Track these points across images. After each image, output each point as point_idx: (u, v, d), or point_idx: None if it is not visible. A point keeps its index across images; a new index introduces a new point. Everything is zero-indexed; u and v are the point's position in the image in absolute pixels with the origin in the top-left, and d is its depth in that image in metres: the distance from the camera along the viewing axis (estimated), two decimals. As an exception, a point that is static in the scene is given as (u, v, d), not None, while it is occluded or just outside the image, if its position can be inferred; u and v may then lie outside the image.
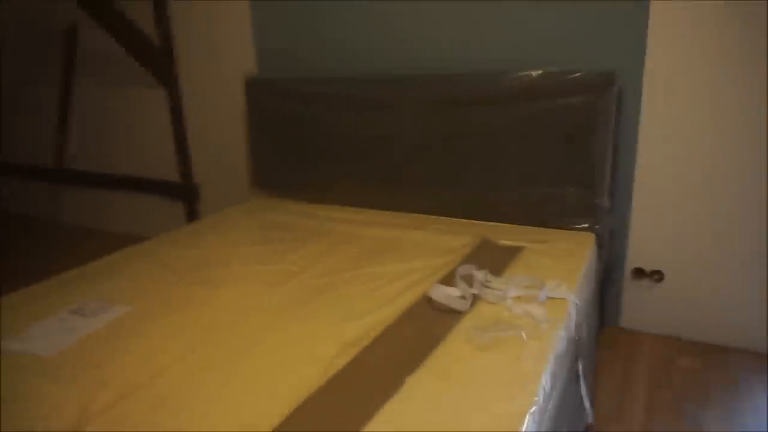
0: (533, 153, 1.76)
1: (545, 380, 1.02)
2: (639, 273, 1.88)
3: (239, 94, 2.28)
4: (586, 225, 1.72)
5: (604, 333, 1.91)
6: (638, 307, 1.92)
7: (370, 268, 1.51)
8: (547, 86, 1.70)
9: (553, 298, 1.29)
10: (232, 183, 2.51)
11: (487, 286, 1.34)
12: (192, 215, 2.67)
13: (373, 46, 2.04)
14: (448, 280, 1.39)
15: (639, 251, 1.88)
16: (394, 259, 1.56)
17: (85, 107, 2.94)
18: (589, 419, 1.46)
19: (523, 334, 1.13)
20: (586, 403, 1.42)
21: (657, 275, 1.86)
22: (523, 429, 0.89)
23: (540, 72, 1.71)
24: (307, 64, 2.17)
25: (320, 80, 2.06)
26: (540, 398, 0.97)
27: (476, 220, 1.82)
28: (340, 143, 2.05)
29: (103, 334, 1.23)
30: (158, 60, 2.49)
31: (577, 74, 1.66)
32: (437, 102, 1.85)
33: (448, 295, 1.29)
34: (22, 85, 3.09)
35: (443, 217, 1.87)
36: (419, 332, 1.18)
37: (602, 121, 1.65)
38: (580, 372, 1.35)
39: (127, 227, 2.92)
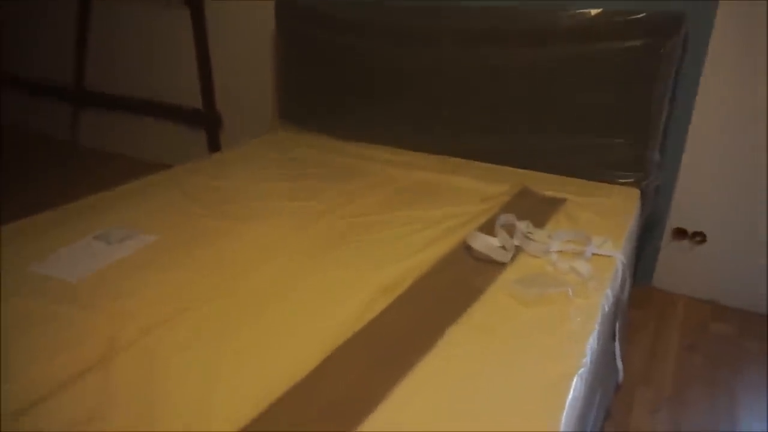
0: (583, 99, 1.64)
1: (593, 341, 0.96)
2: (680, 233, 1.80)
3: (268, 18, 2.14)
4: (633, 180, 1.62)
5: (637, 292, 1.85)
6: (674, 267, 1.85)
7: (405, 211, 1.44)
8: (605, 26, 1.56)
9: (599, 255, 1.23)
10: (256, 113, 2.41)
11: (530, 238, 1.27)
12: (213, 144, 2.60)
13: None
14: (487, 228, 1.32)
15: (682, 211, 1.79)
16: (430, 204, 1.49)
17: (104, 25, 2.81)
18: (620, 379, 1.42)
19: (570, 292, 1.07)
20: (619, 364, 1.38)
21: (699, 237, 1.78)
22: (572, 390, 0.84)
23: (599, 11, 1.57)
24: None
25: (358, 5, 1.91)
26: (588, 359, 0.92)
27: (516, 167, 1.73)
28: (376, 77, 1.93)
29: (129, 262, 1.19)
30: (183, -24, 2.34)
31: (641, 15, 1.52)
32: (483, 36, 1.71)
33: (488, 244, 1.22)
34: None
35: (481, 162, 1.78)
36: (458, 282, 1.12)
37: (664, 68, 1.52)
38: (617, 331, 1.30)
39: (146, 153, 2.86)
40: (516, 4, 1.69)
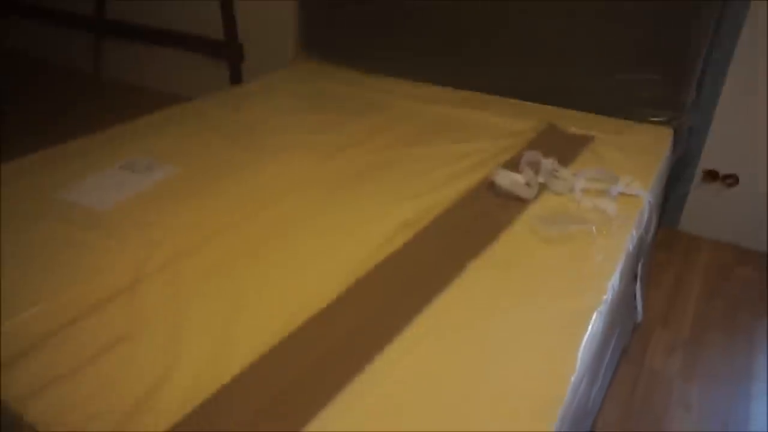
0: (616, 32, 1.56)
1: (614, 279, 0.96)
2: (711, 175, 1.75)
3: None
4: (665, 119, 1.56)
5: (663, 234, 1.82)
6: (703, 210, 1.81)
7: (428, 146, 1.42)
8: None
9: (626, 194, 1.20)
10: (278, 44, 2.36)
11: (555, 176, 1.24)
12: (235, 76, 2.56)
13: None
14: (511, 165, 1.29)
15: (714, 152, 1.73)
16: (454, 139, 1.46)
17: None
18: (638, 319, 1.43)
19: (593, 229, 1.06)
20: (638, 304, 1.38)
21: (731, 179, 1.73)
22: (591, 326, 0.85)
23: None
24: None
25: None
26: (608, 297, 0.92)
27: (543, 103, 1.67)
28: (401, 8, 1.85)
29: (154, 192, 1.20)
30: None
31: (688, -61, 1.41)
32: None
33: (513, 181, 1.20)
34: None
35: (507, 98, 1.72)
36: (480, 218, 1.11)
37: (709, 2, 1.43)
38: (639, 272, 1.30)
39: (167, 85, 2.84)
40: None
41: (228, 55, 2.53)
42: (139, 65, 2.96)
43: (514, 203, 1.16)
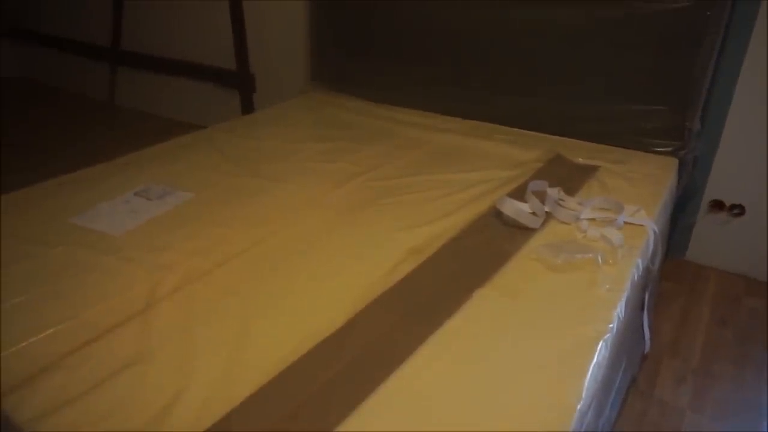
0: (620, 62, 1.59)
1: (620, 308, 0.96)
2: (717, 205, 1.76)
3: (302, -22, 2.13)
4: (670, 149, 1.58)
5: (670, 264, 1.83)
6: (710, 240, 1.81)
7: (435, 175, 1.45)
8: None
9: (631, 223, 1.21)
10: (289, 75, 2.42)
11: (561, 205, 1.26)
12: (247, 106, 2.62)
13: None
14: (518, 194, 1.31)
15: (720, 182, 1.75)
16: (460, 168, 1.48)
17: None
18: (646, 349, 1.42)
19: (599, 258, 1.07)
20: (646, 334, 1.38)
21: (737, 209, 1.74)
22: (597, 355, 0.85)
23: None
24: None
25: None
26: (614, 326, 0.92)
27: (548, 133, 1.70)
28: (407, 39, 1.91)
29: (167, 218, 1.23)
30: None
31: (689, -25, 1.45)
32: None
33: (518, 209, 1.22)
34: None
35: (512, 128, 1.75)
36: (487, 246, 1.13)
37: (711, 31, 1.46)
38: (646, 301, 1.30)
39: (181, 113, 2.90)
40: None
41: (240, 86, 2.60)
42: (153, 94, 3.03)
43: (520, 232, 1.17)
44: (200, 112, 2.77)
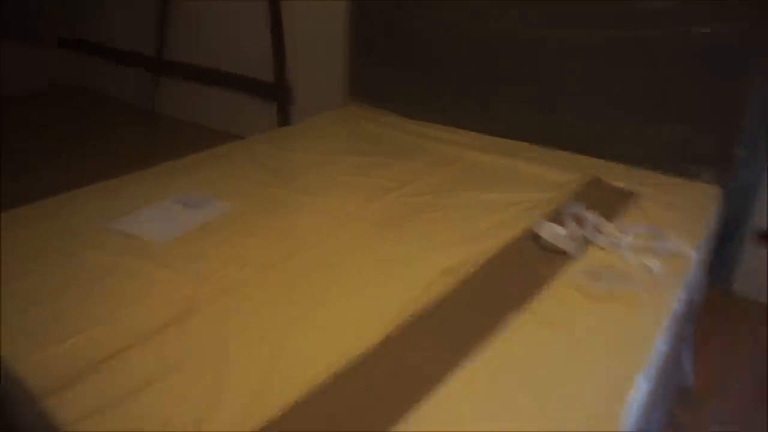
0: (663, 83, 1.55)
1: (660, 342, 0.93)
2: (765, 237, 1.70)
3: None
4: (715, 176, 1.53)
5: (714, 297, 1.76)
6: (755, 273, 1.75)
7: (469, 193, 1.44)
8: (697, 6, 1.47)
9: (673, 253, 1.18)
10: (326, 88, 2.44)
11: (599, 231, 1.23)
12: (284, 118, 2.66)
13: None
14: (554, 217, 1.29)
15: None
16: (494, 187, 1.47)
17: (186, -4, 2.91)
18: (688, 385, 1.38)
19: (640, 289, 1.04)
20: (688, 369, 1.33)
21: (784, 241, 1.67)
22: (636, 389, 0.82)
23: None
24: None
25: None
26: (654, 359, 0.89)
27: (584, 154, 1.67)
28: (444, 55, 1.91)
29: (205, 226, 1.25)
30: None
31: (739, -3, 1.42)
32: (559, 12, 1.65)
33: (556, 233, 1.20)
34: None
35: (547, 148, 1.72)
36: (522, 270, 1.11)
37: (761, 54, 1.42)
38: (688, 335, 1.26)
39: (219, 123, 2.96)
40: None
41: (277, 98, 2.64)
42: (193, 103, 3.10)
43: (557, 257, 1.15)
44: (238, 122, 2.82)
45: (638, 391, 0.83)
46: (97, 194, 1.41)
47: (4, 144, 2.82)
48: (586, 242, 1.20)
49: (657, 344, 0.92)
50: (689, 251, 1.18)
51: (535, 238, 1.21)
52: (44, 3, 3.21)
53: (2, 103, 3.28)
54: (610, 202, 1.39)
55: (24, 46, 3.43)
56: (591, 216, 1.26)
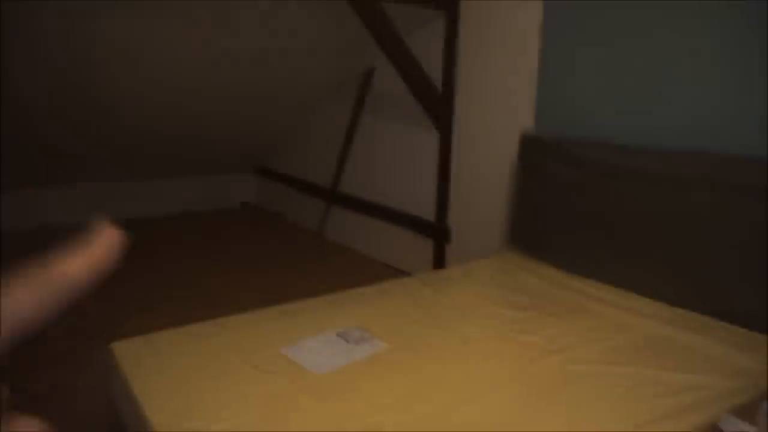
0: None
1: None
2: None
3: (510, 147, 2.27)
4: None
5: None
6: None
7: (638, 368, 1.32)
8: None
9: None
10: (484, 232, 2.51)
11: (804, 439, 1.05)
12: (439, 256, 2.75)
13: (671, 113, 1.83)
14: (743, 411, 1.13)
15: None
16: (669, 366, 1.34)
17: (365, 137, 3.29)
18: None
19: None
20: None
21: None
22: None
23: None
24: (593, 124, 2.05)
25: (602, 146, 1.93)
26: None
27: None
28: (611, 217, 1.87)
29: (363, 365, 1.30)
30: (439, 106, 2.65)
31: None
32: (741, 188, 1.56)
33: (746, 435, 1.04)
34: (321, 113, 3.61)
35: (730, 325, 1.55)
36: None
37: None
38: None
39: (378, 253, 3.15)
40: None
41: (436, 236, 2.76)
42: (356, 232, 3.37)
43: (748, 463, 0.99)
44: (396, 254, 2.98)
45: None
46: (276, 316, 1.56)
47: (201, 250, 3.29)
48: (787, 452, 1.03)
49: None
50: None
51: (720, 434, 1.06)
52: (246, 144, 3.86)
53: (201, 217, 3.90)
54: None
55: (225, 173, 4.10)
56: (792, 419, 1.08)
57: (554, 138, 2.09)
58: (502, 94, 2.42)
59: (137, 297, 2.48)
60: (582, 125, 2.07)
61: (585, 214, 1.95)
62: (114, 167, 3.52)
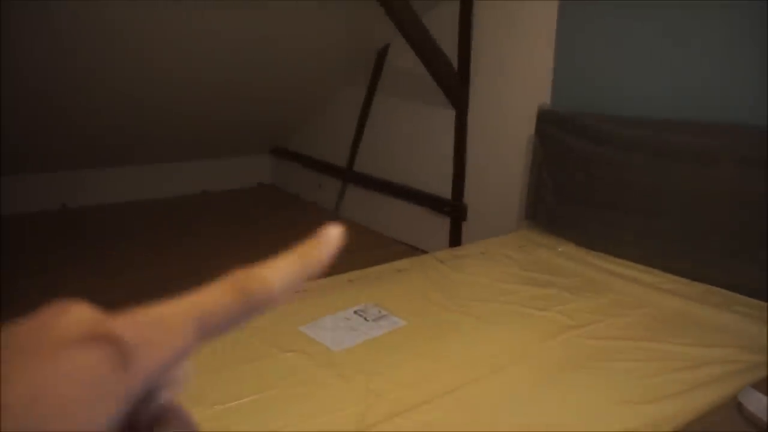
0: None
1: None
2: None
3: (526, 124, 2.25)
4: None
5: None
6: None
7: (659, 343, 1.32)
8: None
9: None
10: (500, 210, 2.50)
11: (827, 413, 1.04)
12: (456, 233, 2.75)
13: (688, 84, 1.79)
14: (763, 385, 1.12)
15: None
16: (691, 340, 1.33)
17: (380, 116, 3.27)
18: None
19: None
20: None
21: None
22: None
23: None
24: (610, 99, 2.01)
25: (620, 119, 1.89)
26: None
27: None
28: (631, 191, 1.85)
29: (381, 342, 1.32)
30: (454, 84, 2.62)
31: None
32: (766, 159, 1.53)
33: (767, 408, 1.03)
34: (335, 92, 3.59)
35: (757, 300, 1.53)
36: (724, 447, 0.97)
37: None
38: None
39: (394, 231, 3.16)
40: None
41: (452, 214, 2.76)
42: (373, 210, 3.37)
43: (769, 437, 0.99)
44: (412, 233, 2.98)
45: None
46: (293, 296, 1.57)
47: (211, 228, 3.33)
48: (809, 426, 1.02)
49: None
50: None
51: (739, 408, 1.06)
52: (262, 125, 3.85)
53: (218, 196, 3.95)
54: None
55: (241, 154, 4.13)
56: (814, 393, 1.07)
57: (572, 112, 2.06)
58: (518, 69, 2.39)
59: (155, 275, 2.53)
60: (599, 99, 2.03)
61: (603, 189, 1.93)
62: (136, 150, 3.56)
